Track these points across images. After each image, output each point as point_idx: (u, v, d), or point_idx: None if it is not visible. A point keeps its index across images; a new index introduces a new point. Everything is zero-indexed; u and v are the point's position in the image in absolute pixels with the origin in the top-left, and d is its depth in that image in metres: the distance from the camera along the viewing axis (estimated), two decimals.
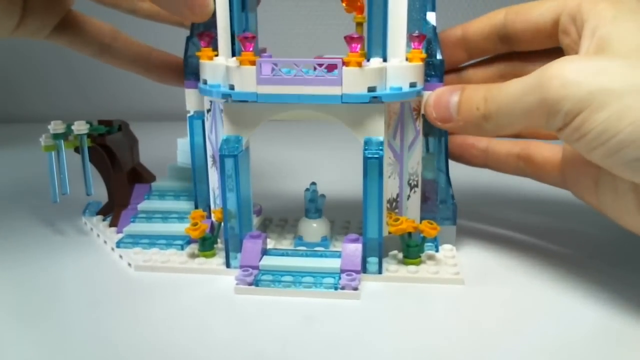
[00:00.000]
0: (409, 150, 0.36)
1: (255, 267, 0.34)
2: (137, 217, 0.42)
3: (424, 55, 0.35)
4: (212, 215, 0.38)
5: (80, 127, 0.39)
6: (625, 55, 0.27)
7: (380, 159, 0.32)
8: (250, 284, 0.33)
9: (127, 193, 0.44)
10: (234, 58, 0.34)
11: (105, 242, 0.41)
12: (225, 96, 0.33)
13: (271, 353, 0.27)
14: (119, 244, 0.39)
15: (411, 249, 0.35)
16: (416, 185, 0.37)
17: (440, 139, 0.37)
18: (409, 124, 0.36)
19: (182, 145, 0.49)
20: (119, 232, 0.41)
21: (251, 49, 0.32)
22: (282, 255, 0.35)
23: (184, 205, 0.42)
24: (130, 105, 0.94)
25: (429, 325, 0.29)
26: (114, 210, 0.44)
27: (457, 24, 0.39)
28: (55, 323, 0.30)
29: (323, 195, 0.39)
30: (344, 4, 0.36)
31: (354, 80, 0.32)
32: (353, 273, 0.33)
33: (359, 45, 0.32)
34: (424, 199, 0.38)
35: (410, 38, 0.34)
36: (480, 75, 0.39)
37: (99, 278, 0.35)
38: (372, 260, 0.34)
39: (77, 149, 0.42)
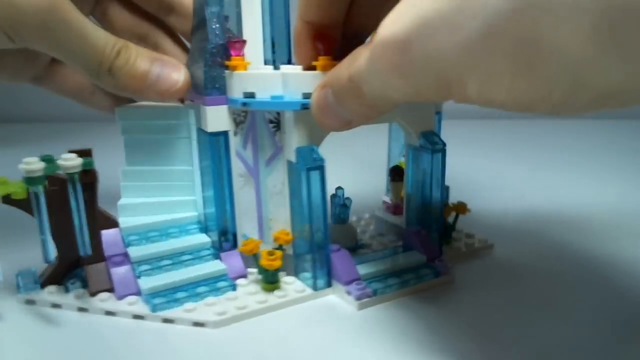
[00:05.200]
0: None
1: (358, 279, 0.32)
2: (141, 270, 0.32)
3: None
4: (274, 240, 0.33)
5: (70, 163, 0.28)
6: None
7: (443, 151, 0.35)
8: (370, 296, 0.31)
9: (99, 243, 0.33)
10: (290, 65, 0.31)
11: (110, 313, 0.30)
12: (305, 106, 0.30)
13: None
14: (155, 308, 0.30)
15: (449, 229, 0.39)
16: None
17: None
18: None
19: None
20: (121, 296, 0.31)
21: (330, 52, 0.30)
22: (366, 261, 0.34)
23: (188, 241, 0.35)
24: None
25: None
26: (83, 269, 0.32)
27: None
28: None
29: (349, 199, 0.39)
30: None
31: None
32: (437, 260, 0.35)
33: None
34: None
35: None
36: None
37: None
38: None
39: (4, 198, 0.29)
